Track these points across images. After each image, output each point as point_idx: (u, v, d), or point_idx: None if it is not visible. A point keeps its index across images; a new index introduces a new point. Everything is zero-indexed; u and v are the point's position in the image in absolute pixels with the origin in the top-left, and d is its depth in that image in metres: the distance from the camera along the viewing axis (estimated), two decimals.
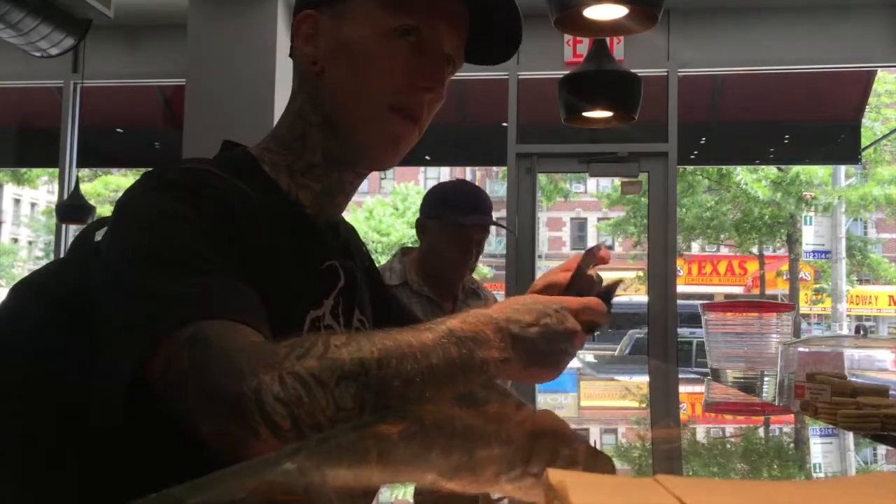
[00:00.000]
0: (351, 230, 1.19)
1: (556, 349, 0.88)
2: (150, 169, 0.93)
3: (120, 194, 0.93)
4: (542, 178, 5.73)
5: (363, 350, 0.78)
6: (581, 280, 0.97)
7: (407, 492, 0.63)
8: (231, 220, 0.88)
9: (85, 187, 7.19)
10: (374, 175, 18.85)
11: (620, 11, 2.40)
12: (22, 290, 0.95)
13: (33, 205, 28.52)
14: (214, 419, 0.76)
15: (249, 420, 0.74)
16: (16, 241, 27.58)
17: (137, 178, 0.93)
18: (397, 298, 1.38)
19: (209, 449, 0.77)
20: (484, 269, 18.50)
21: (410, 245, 2.61)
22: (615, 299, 0.97)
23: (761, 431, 1.11)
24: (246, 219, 0.90)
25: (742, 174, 14.92)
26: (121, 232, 0.89)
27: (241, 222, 0.89)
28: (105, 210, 17.65)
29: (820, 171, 15.22)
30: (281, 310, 0.88)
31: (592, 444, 0.93)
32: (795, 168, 14.70)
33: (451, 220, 2.32)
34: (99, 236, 0.96)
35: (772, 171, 15.16)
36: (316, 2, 1.01)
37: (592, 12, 2.43)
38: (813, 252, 18.48)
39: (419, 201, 2.55)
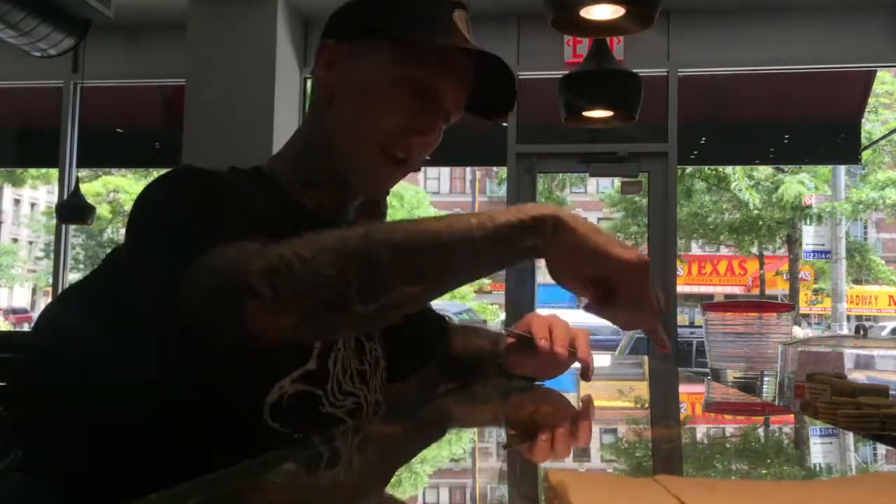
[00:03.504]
0: None
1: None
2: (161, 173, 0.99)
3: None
4: (538, 186, 5.71)
5: (349, 231, 0.83)
6: None
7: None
8: (236, 212, 0.93)
9: (85, 187, 7.17)
10: None
11: (617, 11, 2.40)
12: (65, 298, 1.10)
13: (33, 205, 28.53)
14: (215, 312, 0.83)
15: (239, 300, 0.79)
16: (16, 241, 27.57)
17: (147, 181, 1.00)
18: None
19: (220, 347, 0.84)
20: None
21: None
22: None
23: (761, 431, 1.11)
24: (249, 212, 0.95)
25: (738, 179, 14.93)
26: (139, 232, 0.96)
27: (245, 215, 0.94)
28: (105, 210, 17.68)
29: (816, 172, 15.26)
30: None
31: (591, 443, 0.93)
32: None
33: None
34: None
35: (768, 170, 15.18)
36: (338, 34, 1.10)
37: (589, 12, 2.43)
38: (813, 252, 18.48)
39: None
